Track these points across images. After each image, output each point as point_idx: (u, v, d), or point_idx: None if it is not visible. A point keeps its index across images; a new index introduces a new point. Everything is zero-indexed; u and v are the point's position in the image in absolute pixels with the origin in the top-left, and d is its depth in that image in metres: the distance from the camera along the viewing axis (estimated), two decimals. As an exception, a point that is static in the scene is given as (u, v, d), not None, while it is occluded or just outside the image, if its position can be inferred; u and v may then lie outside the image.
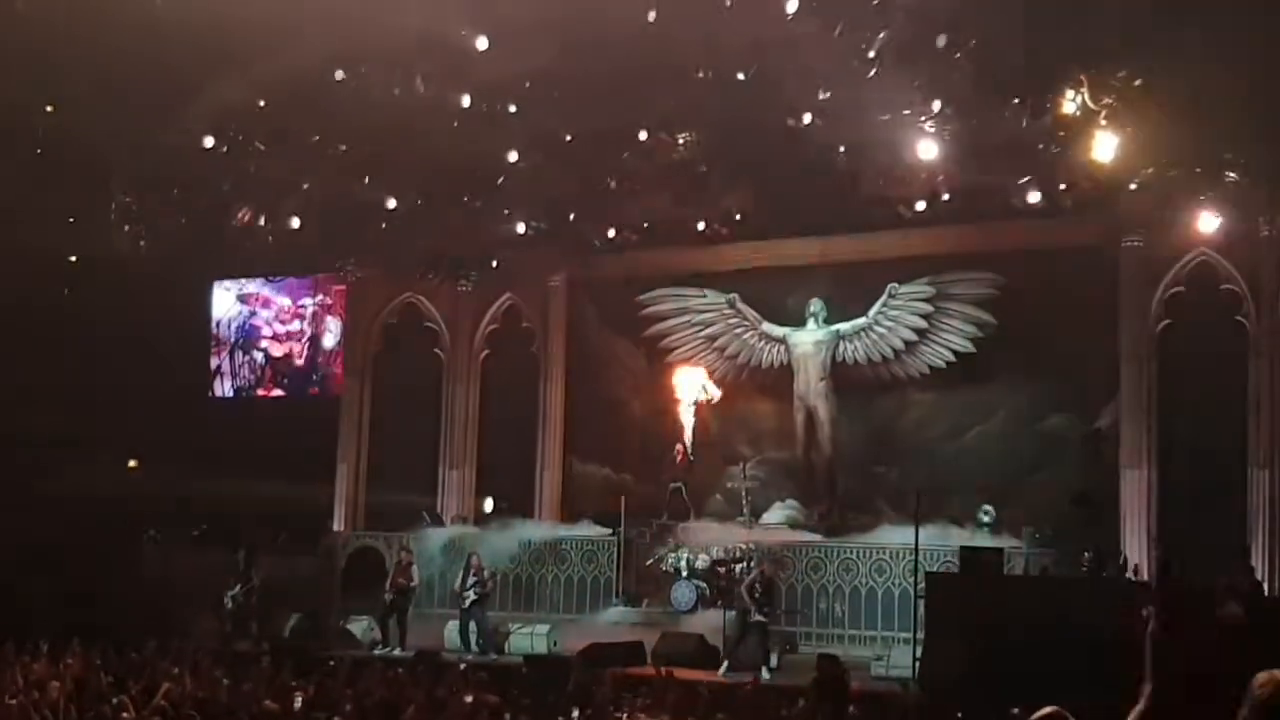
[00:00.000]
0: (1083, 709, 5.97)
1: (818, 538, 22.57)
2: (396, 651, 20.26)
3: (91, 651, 16.13)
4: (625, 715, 11.40)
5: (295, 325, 27.81)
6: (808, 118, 20.08)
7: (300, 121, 21.71)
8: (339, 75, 20.28)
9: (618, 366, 26.21)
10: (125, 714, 10.47)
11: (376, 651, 20.22)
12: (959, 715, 12.44)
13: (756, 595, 19.11)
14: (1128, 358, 22.16)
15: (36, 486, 24.46)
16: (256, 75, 20.94)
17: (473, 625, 20.76)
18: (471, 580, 20.92)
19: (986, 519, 21.22)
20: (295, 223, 24.20)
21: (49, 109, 22.06)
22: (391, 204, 23.85)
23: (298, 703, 11.65)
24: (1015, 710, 12.36)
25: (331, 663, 15.67)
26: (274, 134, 21.98)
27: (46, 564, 23.55)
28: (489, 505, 25.61)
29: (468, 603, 20.83)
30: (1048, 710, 5.55)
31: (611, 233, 24.97)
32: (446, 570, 23.11)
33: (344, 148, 22.28)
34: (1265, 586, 19.44)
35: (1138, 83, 17.72)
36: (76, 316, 25.88)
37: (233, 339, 28.49)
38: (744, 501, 23.47)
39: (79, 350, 25.59)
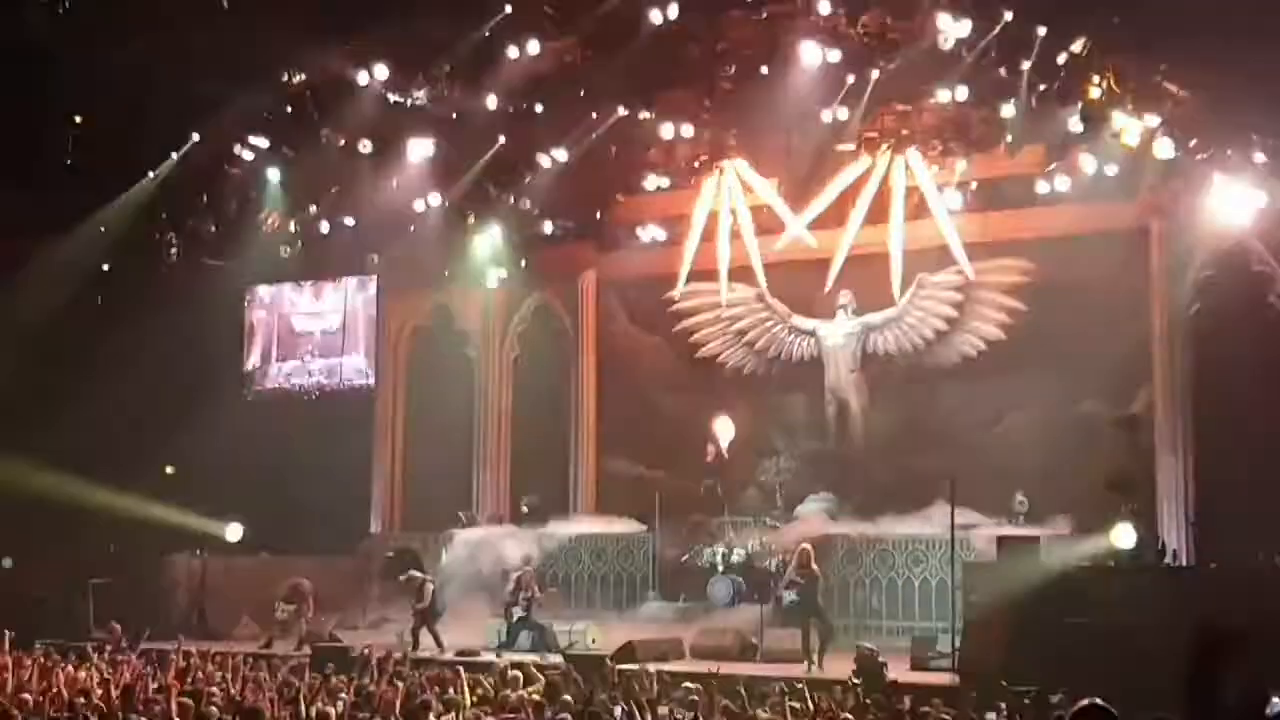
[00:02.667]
0: (1122, 699, 5.98)
1: (853, 530, 22.53)
2: (436, 654, 20.24)
3: (140, 658, 16.29)
4: (667, 711, 11.44)
5: (328, 329, 27.89)
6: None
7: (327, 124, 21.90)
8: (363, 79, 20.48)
9: (648, 363, 26.22)
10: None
11: (411, 654, 20.05)
12: (1000, 705, 12.44)
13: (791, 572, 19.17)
14: (1160, 342, 22.07)
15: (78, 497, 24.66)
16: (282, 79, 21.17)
17: (523, 634, 20.63)
18: (523, 597, 20.84)
19: (1021, 508, 21.13)
20: (325, 226, 24.37)
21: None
22: (420, 206, 24.00)
23: (341, 705, 11.74)
24: (1055, 698, 12.40)
25: (372, 662, 15.70)
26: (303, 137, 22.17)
27: (91, 572, 23.82)
28: (524, 505, 25.60)
29: (515, 618, 20.73)
30: (1086, 703, 5.56)
31: (639, 230, 25.02)
32: (480, 571, 23.21)
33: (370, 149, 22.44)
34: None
35: (1164, 66, 17.72)
36: (109, 323, 26.04)
37: (265, 343, 28.60)
38: (778, 495, 23.47)
39: (111, 357, 25.75)
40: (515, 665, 16.34)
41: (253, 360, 28.49)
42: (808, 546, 19.61)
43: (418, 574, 21.98)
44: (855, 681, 15.05)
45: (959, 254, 23.02)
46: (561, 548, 24.11)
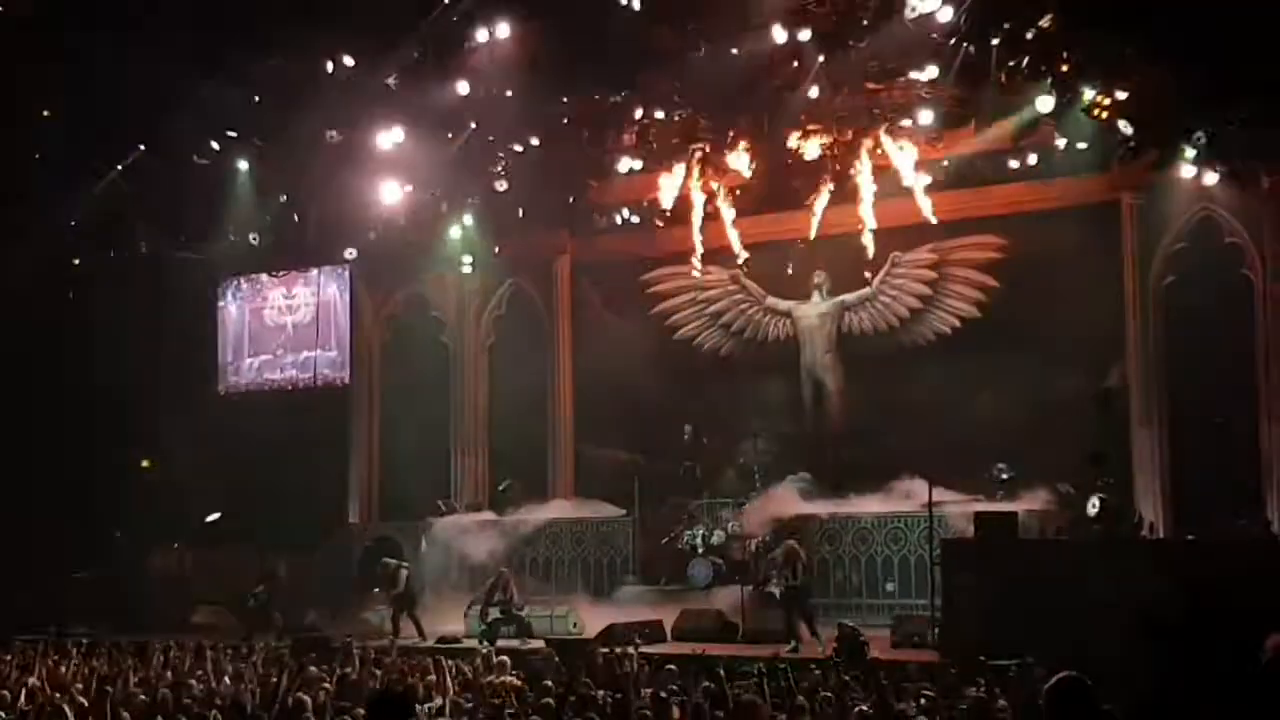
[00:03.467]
0: (1100, 670, 6.01)
1: (831, 509, 22.58)
2: (417, 642, 20.22)
3: (118, 652, 16.25)
4: (649, 693, 11.46)
5: (301, 318, 27.79)
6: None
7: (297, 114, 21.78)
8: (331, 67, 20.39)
9: (624, 347, 26.18)
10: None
11: (384, 642, 19.91)
12: (980, 680, 12.48)
13: (778, 569, 19.17)
14: (1134, 315, 22.16)
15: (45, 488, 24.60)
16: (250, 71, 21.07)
17: (502, 629, 20.54)
18: (499, 598, 20.76)
19: (1002, 474, 21.13)
20: (296, 217, 24.26)
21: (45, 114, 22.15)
22: (391, 195, 23.90)
23: (321, 695, 11.72)
24: (1029, 659, 12.49)
25: (357, 651, 15.70)
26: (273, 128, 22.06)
27: (63, 564, 23.77)
28: (501, 488, 25.54)
29: (490, 619, 20.59)
30: (1063, 675, 5.58)
31: (612, 213, 24.98)
32: (457, 559, 23.24)
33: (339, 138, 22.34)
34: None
35: (1131, 41, 17.74)
36: (80, 316, 25.93)
37: (239, 333, 28.48)
38: (756, 477, 23.51)
39: (83, 349, 25.66)
40: (497, 651, 16.40)
41: (225, 354, 28.38)
42: (794, 545, 19.57)
43: (391, 560, 21.93)
44: (836, 659, 15.11)
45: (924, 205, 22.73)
46: (540, 533, 24.14)
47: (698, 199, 24.11)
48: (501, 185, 23.40)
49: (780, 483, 23.83)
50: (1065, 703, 5.46)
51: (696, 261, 24.30)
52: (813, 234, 23.01)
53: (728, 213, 23.88)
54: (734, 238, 23.69)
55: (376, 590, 22.04)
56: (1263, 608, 11.91)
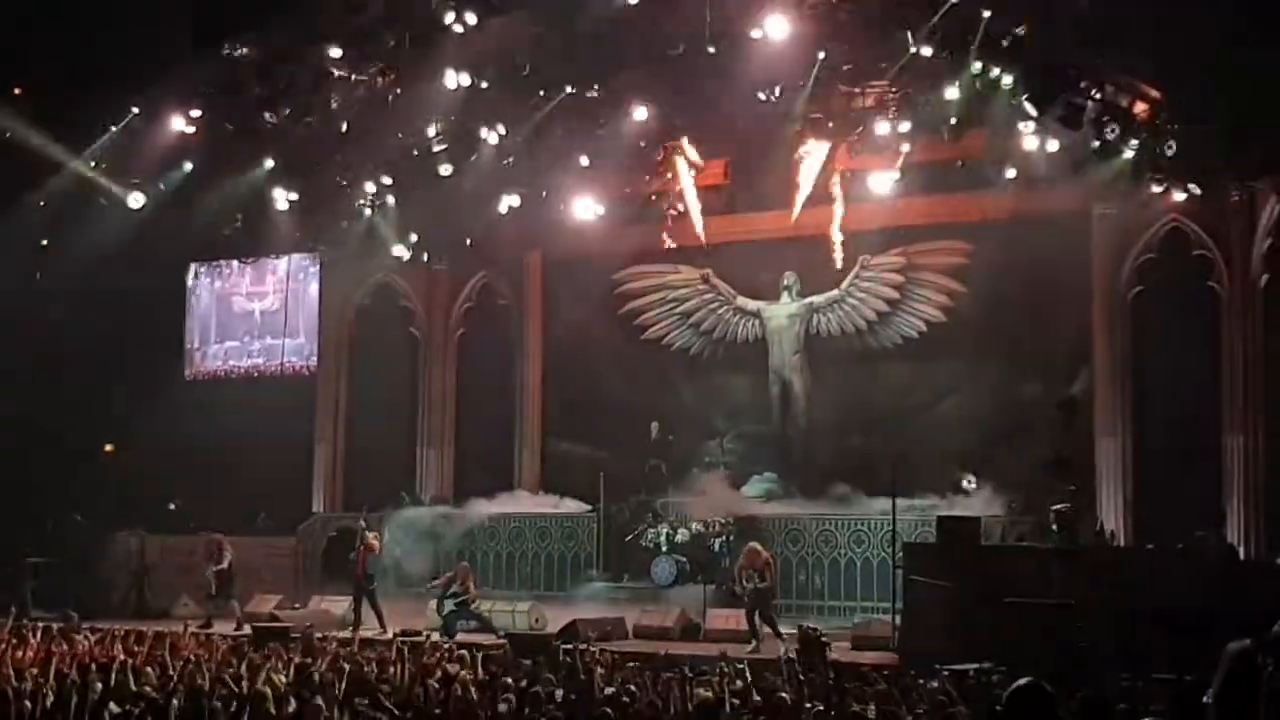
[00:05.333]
0: (1060, 677, 6.04)
1: (796, 510, 22.64)
2: (378, 633, 20.15)
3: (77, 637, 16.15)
4: (611, 690, 11.45)
5: (270, 306, 27.68)
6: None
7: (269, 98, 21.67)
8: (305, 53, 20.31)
9: (594, 343, 26.20)
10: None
11: (347, 633, 19.80)
12: (938, 686, 12.53)
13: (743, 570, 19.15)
14: (1100, 325, 22.28)
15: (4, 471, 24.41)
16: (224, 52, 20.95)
17: (459, 623, 20.46)
18: (456, 589, 20.70)
19: (970, 487, 21.21)
20: (267, 204, 24.14)
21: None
22: (364, 184, 23.84)
23: (281, 684, 11.67)
24: (994, 676, 12.53)
25: (319, 641, 15.64)
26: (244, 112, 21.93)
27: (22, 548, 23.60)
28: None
29: (445, 611, 20.49)
30: (1024, 681, 5.58)
31: (585, 209, 24.96)
32: (423, 551, 23.18)
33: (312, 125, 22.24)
34: (1240, 550, 19.59)
35: (1105, 52, 17.86)
36: (46, 297, 25.74)
37: (206, 319, 28.35)
38: (722, 476, 23.53)
39: (49, 333, 25.48)
40: (459, 645, 16.36)
41: (192, 340, 28.25)
42: (757, 546, 19.53)
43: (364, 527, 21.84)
44: (796, 660, 15.13)
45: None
46: (504, 527, 24.12)
47: (687, 195, 24.15)
48: (474, 179, 23.34)
49: (746, 482, 23.98)
50: (1026, 708, 5.46)
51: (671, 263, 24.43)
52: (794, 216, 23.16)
53: (696, 207, 24.00)
54: (698, 224, 23.90)
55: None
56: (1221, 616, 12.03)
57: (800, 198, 23.36)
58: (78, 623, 19.20)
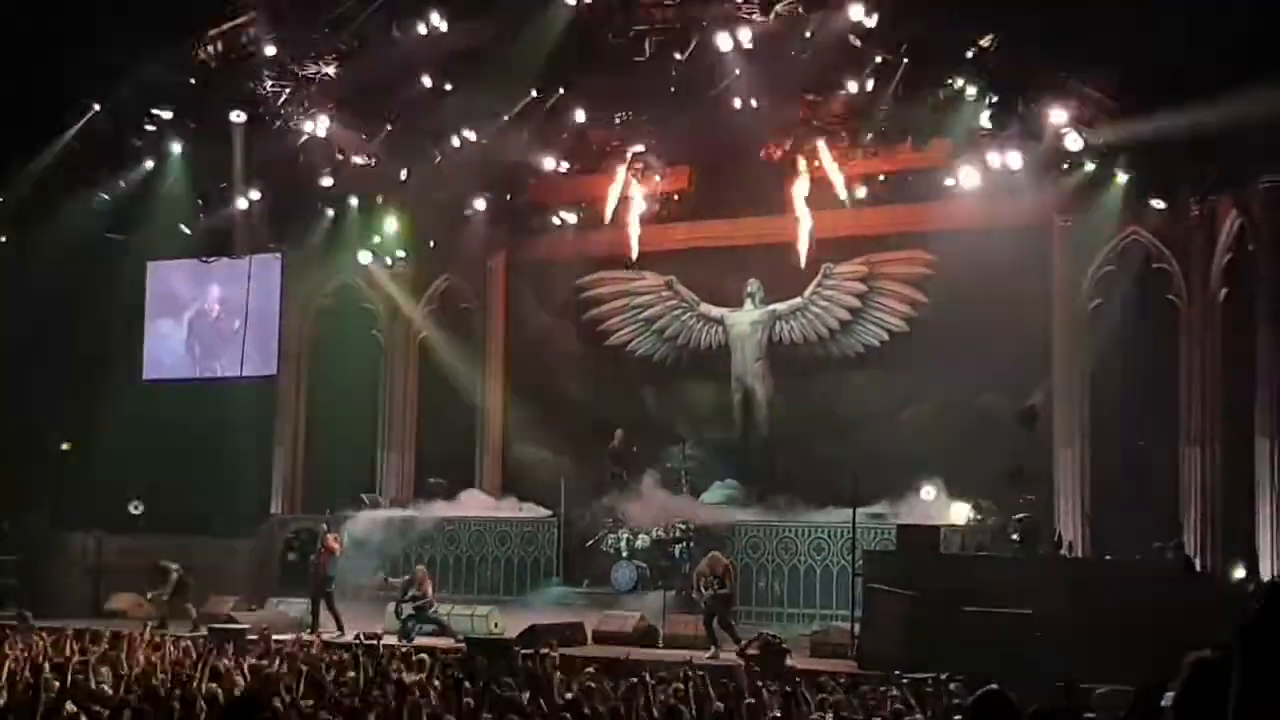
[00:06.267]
0: (1020, 686, 6.05)
1: (756, 517, 22.67)
2: (336, 636, 20.04)
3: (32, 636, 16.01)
4: (570, 695, 11.43)
5: (230, 306, 27.50)
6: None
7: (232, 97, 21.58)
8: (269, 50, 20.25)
9: (557, 348, 26.16)
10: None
11: (307, 635, 19.73)
12: (893, 693, 12.57)
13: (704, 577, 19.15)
14: (1060, 336, 22.40)
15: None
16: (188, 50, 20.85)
17: (418, 627, 20.38)
18: (414, 593, 20.63)
19: (929, 496, 21.28)
20: (228, 203, 24.04)
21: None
22: (327, 183, 23.74)
23: (239, 684, 11.60)
24: (952, 685, 12.58)
25: (276, 644, 15.55)
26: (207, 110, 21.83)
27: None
28: (430, 485, 25.37)
29: (404, 615, 20.40)
30: (985, 690, 5.59)
31: (550, 214, 24.95)
32: (382, 554, 23.08)
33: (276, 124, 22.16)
34: (1196, 562, 19.74)
35: (1070, 63, 17.99)
36: (3, 294, 25.49)
37: (166, 319, 28.14)
38: (683, 482, 23.55)
39: (7, 332, 25.24)
40: (418, 650, 16.30)
41: (152, 339, 28.05)
42: (717, 553, 19.59)
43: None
44: (756, 668, 15.16)
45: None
46: (464, 531, 24.05)
47: (635, 204, 24.14)
48: (438, 181, 23.31)
49: (707, 489, 24.00)
50: (989, 716, 5.46)
51: (633, 252, 24.40)
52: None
53: (636, 222, 24.04)
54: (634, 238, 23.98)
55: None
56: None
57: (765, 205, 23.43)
58: (31, 622, 19.06)
